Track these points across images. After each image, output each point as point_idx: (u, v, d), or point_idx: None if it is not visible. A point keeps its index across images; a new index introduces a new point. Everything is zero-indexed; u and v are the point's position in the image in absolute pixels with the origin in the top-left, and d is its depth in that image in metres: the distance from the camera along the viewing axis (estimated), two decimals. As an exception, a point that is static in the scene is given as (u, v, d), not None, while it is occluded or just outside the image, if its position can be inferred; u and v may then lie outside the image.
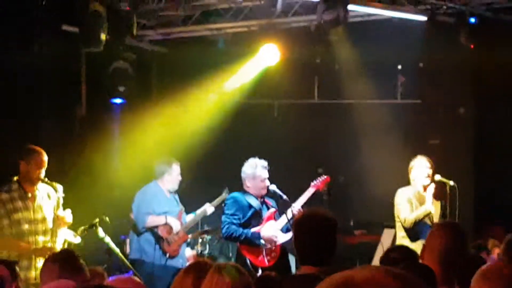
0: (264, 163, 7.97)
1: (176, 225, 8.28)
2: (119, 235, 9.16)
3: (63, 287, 2.89)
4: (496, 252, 8.50)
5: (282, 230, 7.93)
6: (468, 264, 4.26)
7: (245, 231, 7.72)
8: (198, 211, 8.58)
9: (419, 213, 7.72)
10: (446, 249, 4.01)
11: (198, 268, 3.76)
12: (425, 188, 7.84)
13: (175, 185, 8.44)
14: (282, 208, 8.00)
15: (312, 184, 8.16)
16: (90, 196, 9.81)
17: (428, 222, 7.77)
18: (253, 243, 7.78)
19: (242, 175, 7.96)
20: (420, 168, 7.89)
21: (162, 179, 8.40)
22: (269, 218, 7.95)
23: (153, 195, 8.32)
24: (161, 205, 8.31)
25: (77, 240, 7.05)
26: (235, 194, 7.90)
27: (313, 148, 10.97)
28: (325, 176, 8.33)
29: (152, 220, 8.21)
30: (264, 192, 7.93)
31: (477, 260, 4.70)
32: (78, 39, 8.76)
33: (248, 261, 7.71)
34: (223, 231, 7.76)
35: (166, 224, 8.23)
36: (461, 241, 4.14)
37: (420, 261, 4.23)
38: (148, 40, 10.20)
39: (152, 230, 8.21)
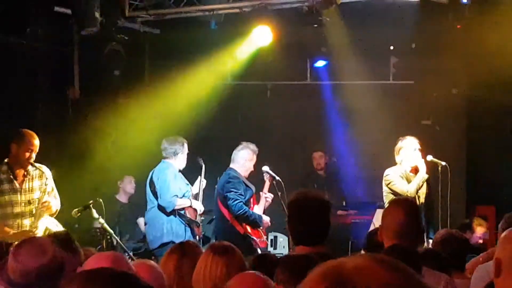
0: (255, 148, 8.12)
1: (199, 207, 8.26)
2: (113, 217, 9.20)
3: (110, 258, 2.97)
4: (478, 230, 8.60)
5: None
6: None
7: (254, 212, 7.89)
8: (199, 189, 8.46)
9: (418, 181, 7.78)
10: (401, 225, 4.00)
11: (181, 249, 3.81)
12: (413, 169, 7.88)
13: (184, 164, 8.32)
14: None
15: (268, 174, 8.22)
16: (84, 179, 9.85)
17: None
18: (256, 224, 7.94)
19: (242, 155, 8.02)
20: (409, 149, 7.93)
21: (175, 158, 8.24)
22: (254, 202, 8.10)
23: (173, 177, 8.16)
24: (182, 186, 8.23)
25: (58, 228, 6.99)
26: (236, 174, 7.98)
27: (306, 130, 11.00)
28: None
29: (179, 203, 8.09)
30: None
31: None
32: (70, 20, 8.74)
33: (253, 242, 7.83)
34: (235, 208, 7.81)
35: (190, 206, 8.18)
36: (415, 216, 4.13)
37: (380, 239, 4.23)
38: (140, 22, 10.17)
39: (181, 213, 8.17)
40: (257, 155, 8.39)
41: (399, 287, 1.14)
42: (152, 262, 4.00)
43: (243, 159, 8.05)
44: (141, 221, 9.48)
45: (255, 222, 7.95)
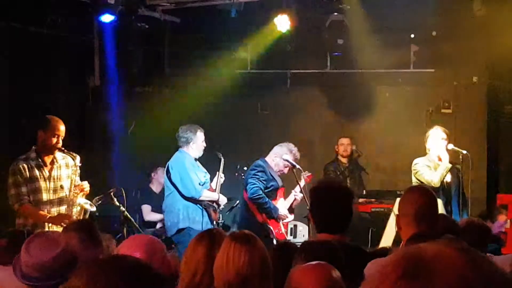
0: (297, 153, 8.12)
1: (223, 201, 8.29)
2: (133, 204, 9.26)
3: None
4: (499, 219, 8.53)
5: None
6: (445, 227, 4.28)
7: (271, 202, 7.91)
8: (216, 184, 8.43)
9: (442, 171, 7.75)
10: (418, 211, 3.97)
11: (211, 236, 3.78)
12: (439, 158, 7.85)
13: (200, 152, 8.22)
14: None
15: (303, 176, 8.22)
16: (105, 166, 9.90)
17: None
18: (271, 215, 7.94)
19: (275, 150, 8.18)
20: (435, 138, 7.90)
21: (187, 147, 8.17)
22: (280, 196, 8.11)
23: (191, 166, 8.11)
24: (200, 175, 8.18)
25: (93, 208, 7.11)
26: (262, 163, 8.06)
27: (326, 118, 10.98)
28: (309, 173, 8.54)
29: (206, 195, 8.08)
30: (279, 173, 8.12)
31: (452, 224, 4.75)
32: (90, 9, 8.77)
33: (272, 231, 7.88)
34: (251, 191, 7.86)
35: (217, 200, 8.18)
36: (433, 203, 4.11)
37: (396, 229, 4.20)
38: (160, 10, 10.18)
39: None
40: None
41: (475, 280, 1.14)
42: (150, 236, 4.01)
43: (274, 153, 8.18)
44: (144, 207, 9.70)
45: (269, 211, 7.95)
